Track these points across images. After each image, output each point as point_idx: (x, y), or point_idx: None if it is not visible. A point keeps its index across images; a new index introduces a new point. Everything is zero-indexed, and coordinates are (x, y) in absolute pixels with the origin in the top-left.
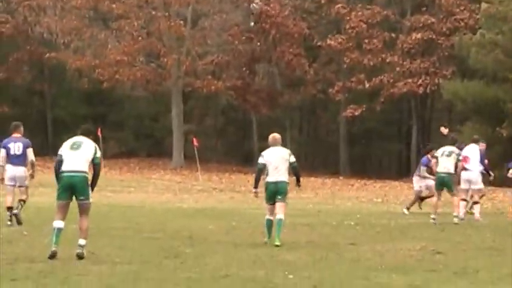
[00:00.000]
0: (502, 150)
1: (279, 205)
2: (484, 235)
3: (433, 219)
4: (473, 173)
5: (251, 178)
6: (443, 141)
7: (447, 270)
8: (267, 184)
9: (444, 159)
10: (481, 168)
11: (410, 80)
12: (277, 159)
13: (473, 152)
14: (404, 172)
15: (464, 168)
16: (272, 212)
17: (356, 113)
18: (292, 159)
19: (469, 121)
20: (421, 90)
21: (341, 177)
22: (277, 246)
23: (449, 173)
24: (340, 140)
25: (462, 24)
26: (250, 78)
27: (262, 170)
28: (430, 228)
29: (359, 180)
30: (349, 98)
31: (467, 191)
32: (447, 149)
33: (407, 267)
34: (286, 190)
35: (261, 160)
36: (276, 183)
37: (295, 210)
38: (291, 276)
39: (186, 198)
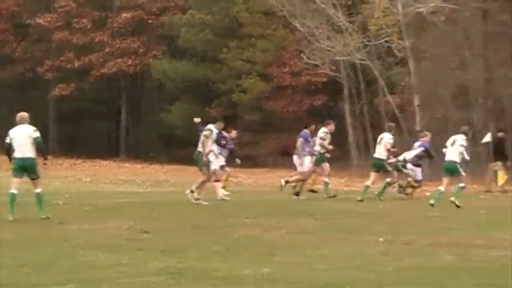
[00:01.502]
0: None
1: (33, 182)
2: (194, 213)
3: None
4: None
5: None
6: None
7: (155, 249)
8: (14, 160)
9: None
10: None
11: (120, 60)
12: (21, 136)
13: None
14: (113, 151)
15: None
16: (18, 187)
17: (65, 92)
18: (36, 134)
19: (178, 101)
20: (131, 69)
21: (49, 157)
22: (47, 218)
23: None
24: (49, 119)
25: (172, 4)
26: None
27: (9, 148)
28: (140, 207)
29: (68, 160)
30: (58, 77)
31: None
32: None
33: (115, 246)
34: (34, 166)
35: (7, 139)
36: (22, 159)
37: None
38: None
39: None
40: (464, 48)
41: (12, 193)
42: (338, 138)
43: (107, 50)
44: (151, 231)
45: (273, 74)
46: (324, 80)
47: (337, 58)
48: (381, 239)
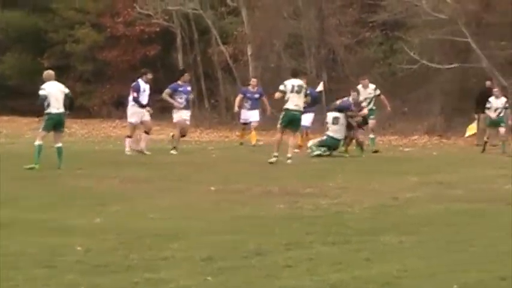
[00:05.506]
0: None
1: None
2: (26, 164)
3: None
4: None
5: None
6: None
7: None
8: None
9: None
10: None
11: None
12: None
13: None
14: None
15: None
16: None
17: None
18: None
19: (10, 51)
20: None
21: None
22: None
23: None
24: None
25: None
26: None
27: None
28: None
29: None
30: None
31: None
32: None
33: None
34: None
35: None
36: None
37: None
38: None
39: None
40: None
41: None
42: None
43: None
44: None
45: (106, 24)
46: (157, 29)
47: (170, 8)
48: (212, 188)
